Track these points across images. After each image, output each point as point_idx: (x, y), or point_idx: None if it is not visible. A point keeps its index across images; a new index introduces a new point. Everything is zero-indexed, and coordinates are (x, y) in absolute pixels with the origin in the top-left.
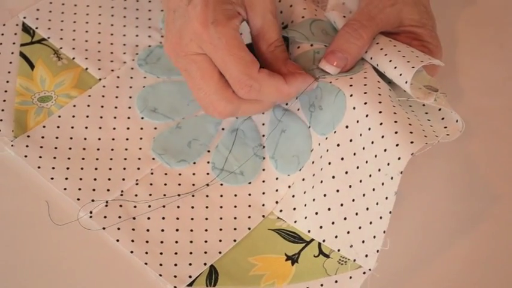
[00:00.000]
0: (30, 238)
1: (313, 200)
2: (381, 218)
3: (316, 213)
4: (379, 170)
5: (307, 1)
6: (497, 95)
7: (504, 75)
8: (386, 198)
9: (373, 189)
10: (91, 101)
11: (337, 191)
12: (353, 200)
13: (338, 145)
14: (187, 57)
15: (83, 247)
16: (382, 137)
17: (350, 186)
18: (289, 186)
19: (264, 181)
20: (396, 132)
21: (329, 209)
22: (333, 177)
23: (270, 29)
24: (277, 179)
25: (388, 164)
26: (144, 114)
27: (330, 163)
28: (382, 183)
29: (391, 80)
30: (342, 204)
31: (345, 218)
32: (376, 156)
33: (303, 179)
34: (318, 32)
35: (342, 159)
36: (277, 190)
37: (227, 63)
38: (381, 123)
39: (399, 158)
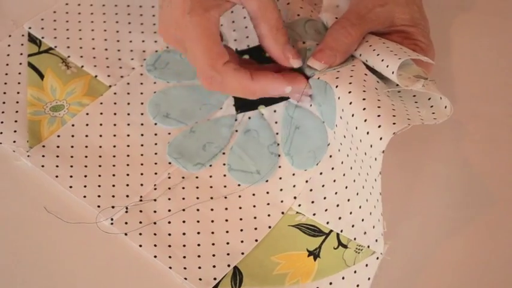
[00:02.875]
0: (52, 247)
1: (336, 193)
2: (377, 200)
3: (338, 206)
4: (365, 153)
5: (304, 2)
6: (494, 101)
7: (501, 81)
8: (375, 180)
9: (367, 174)
10: (103, 109)
11: (354, 181)
12: (363, 187)
13: (344, 136)
14: (176, 44)
15: (105, 254)
16: (365, 120)
17: (359, 174)
18: (307, 181)
19: (280, 178)
20: (379, 116)
21: (348, 200)
22: (351, 168)
23: (267, 10)
24: (293, 174)
25: (371, 146)
26: (157, 120)
27: (348, 155)
28: (370, 166)
29: (383, 76)
30: (357, 193)
31: (360, 207)
32: (361, 140)
33: (321, 173)
34: (312, 31)
35: (351, 149)
36: (294, 186)
37: (196, 53)
38: (364, 109)
39: (381, 138)
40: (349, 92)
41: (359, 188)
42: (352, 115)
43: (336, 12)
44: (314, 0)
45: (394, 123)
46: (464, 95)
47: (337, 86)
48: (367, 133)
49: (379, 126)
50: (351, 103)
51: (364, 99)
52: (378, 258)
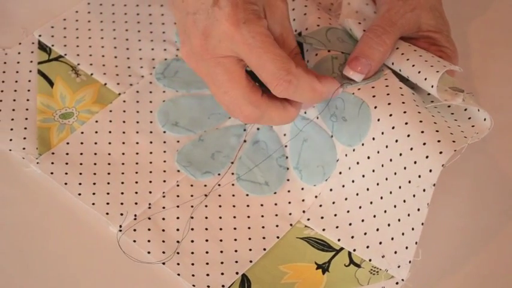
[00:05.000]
0: (60, 253)
1: (348, 211)
2: (412, 229)
3: (350, 224)
4: (410, 181)
5: (321, 10)
6: (507, 111)
7: (510, 90)
8: (419, 209)
9: (404, 201)
10: (113, 117)
11: (371, 202)
12: (385, 211)
13: (368, 157)
14: (213, 60)
15: (113, 260)
16: (411, 149)
17: (381, 198)
18: (316, 196)
19: (289, 191)
20: (424, 144)
21: (363, 220)
22: (368, 189)
23: (288, 37)
24: (302, 189)
25: (420, 176)
26: (166, 128)
27: (363, 176)
28: (414, 195)
29: (414, 85)
30: (374, 216)
31: (378, 229)
32: (405, 168)
33: (331, 189)
34: (334, 39)
35: (373, 171)
36: (303, 200)
37: (264, 61)
38: (408, 135)
39: (430, 170)
40: (390, 115)
41: (379, 211)
42: (396, 141)
43: (356, 18)
44: (328, 6)
45: (440, 152)
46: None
47: (376, 107)
48: (415, 163)
49: (427, 157)
50: (393, 127)
51: (406, 123)
52: (397, 283)
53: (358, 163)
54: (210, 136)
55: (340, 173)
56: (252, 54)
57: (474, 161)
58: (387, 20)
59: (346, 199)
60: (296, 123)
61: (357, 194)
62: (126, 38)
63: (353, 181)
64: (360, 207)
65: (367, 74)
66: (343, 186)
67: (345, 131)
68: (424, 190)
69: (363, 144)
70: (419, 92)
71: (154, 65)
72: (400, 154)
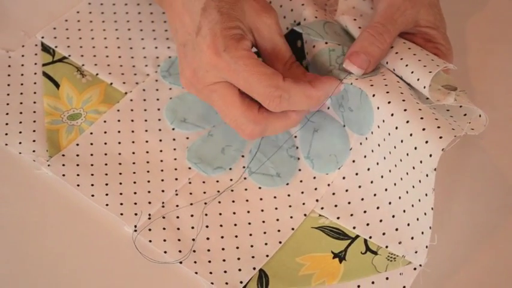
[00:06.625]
0: (74, 255)
1: (362, 199)
2: (425, 214)
3: (365, 212)
4: (414, 167)
5: (317, 5)
6: (503, 108)
7: (504, 86)
8: (426, 195)
9: (413, 187)
10: (121, 116)
11: (386, 190)
12: (399, 198)
13: (379, 145)
14: (207, 88)
15: (130, 261)
16: (411, 135)
17: (395, 184)
18: (328, 185)
19: (301, 181)
20: (424, 129)
21: (378, 208)
22: (382, 176)
23: (281, 50)
24: (314, 178)
25: (421, 162)
26: (174, 125)
27: (378, 163)
28: (420, 181)
29: (409, 84)
30: (390, 203)
31: (393, 216)
32: (408, 154)
33: (344, 178)
34: (331, 32)
35: (385, 158)
36: (316, 189)
37: (251, 83)
38: (408, 121)
39: (430, 155)
40: (389, 103)
41: (393, 198)
42: (396, 127)
43: (354, 14)
44: (324, 1)
45: (440, 137)
46: (474, 101)
47: (374, 95)
48: (415, 148)
49: (427, 142)
50: (392, 115)
51: (405, 109)
52: (415, 268)
53: (372, 151)
54: (219, 131)
55: (354, 161)
56: (238, 78)
57: (471, 158)
58: (389, 18)
59: (359, 187)
60: (307, 115)
61: (372, 182)
62: (129, 37)
63: (368, 169)
64: (375, 195)
65: (366, 70)
66: (357, 174)
67: (354, 121)
68: (427, 175)
69: (372, 133)
70: (415, 90)
71: (159, 63)
72: (402, 141)
